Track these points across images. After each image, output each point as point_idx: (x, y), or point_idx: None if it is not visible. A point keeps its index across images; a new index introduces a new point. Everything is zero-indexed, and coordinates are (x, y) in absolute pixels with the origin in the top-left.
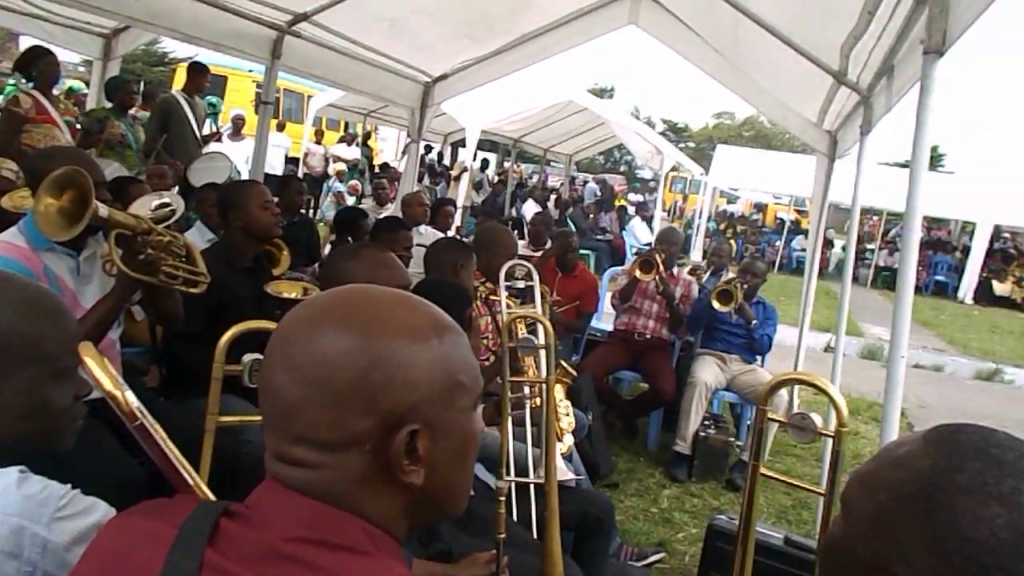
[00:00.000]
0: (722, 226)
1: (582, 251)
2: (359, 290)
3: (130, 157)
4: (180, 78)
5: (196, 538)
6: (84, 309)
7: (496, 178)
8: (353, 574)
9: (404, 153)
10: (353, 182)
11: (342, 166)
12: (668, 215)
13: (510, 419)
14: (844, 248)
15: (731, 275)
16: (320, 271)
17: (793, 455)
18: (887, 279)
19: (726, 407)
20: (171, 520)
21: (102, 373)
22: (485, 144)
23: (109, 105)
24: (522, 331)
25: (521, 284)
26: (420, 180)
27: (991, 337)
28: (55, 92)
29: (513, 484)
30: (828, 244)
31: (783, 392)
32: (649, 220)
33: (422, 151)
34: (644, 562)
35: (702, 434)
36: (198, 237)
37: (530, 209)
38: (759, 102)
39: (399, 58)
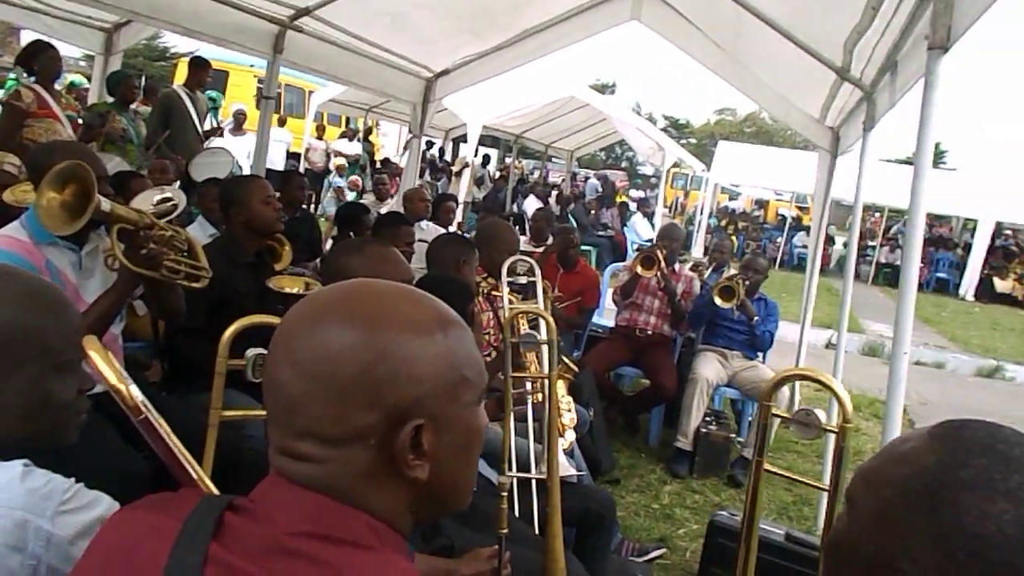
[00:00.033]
0: (723, 222)
1: (583, 247)
2: (363, 284)
3: (131, 152)
4: (181, 73)
5: (200, 532)
6: (86, 304)
7: (497, 174)
8: (357, 568)
9: (406, 148)
10: (354, 177)
11: (342, 161)
12: (669, 211)
13: (512, 415)
14: (845, 245)
15: (733, 271)
16: (322, 266)
17: (794, 451)
18: (888, 276)
19: (727, 403)
20: (175, 514)
21: (106, 367)
22: (486, 140)
23: (111, 100)
24: (524, 327)
25: (523, 280)
26: (421, 176)
27: (992, 334)
28: (57, 86)
29: (515, 480)
30: (829, 241)
31: (784, 388)
32: (650, 216)
33: (423, 147)
34: (645, 558)
35: (703, 430)
36: (200, 232)
37: (531, 205)
38: (761, 98)
39: (401, 53)
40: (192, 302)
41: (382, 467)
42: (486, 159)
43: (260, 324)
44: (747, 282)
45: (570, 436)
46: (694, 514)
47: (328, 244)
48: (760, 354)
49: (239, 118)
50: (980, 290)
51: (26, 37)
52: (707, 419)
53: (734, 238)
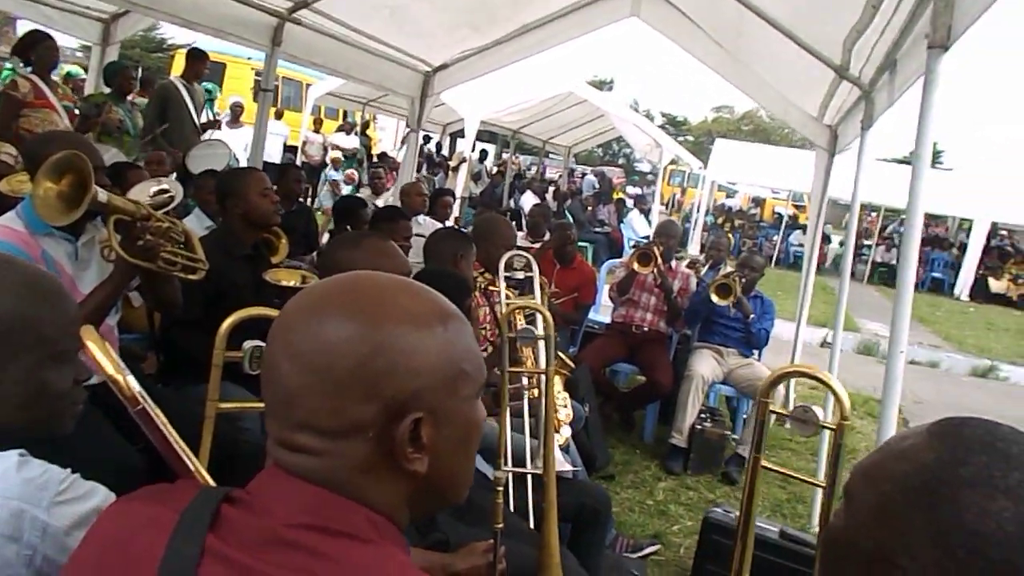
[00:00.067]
0: (720, 220)
1: (580, 243)
2: (362, 277)
3: (128, 143)
4: (178, 64)
5: (197, 524)
6: (82, 294)
7: (495, 169)
8: (355, 561)
9: (403, 143)
10: (349, 171)
11: (338, 154)
12: (666, 208)
13: (508, 410)
14: (842, 244)
15: (729, 269)
16: (319, 259)
17: (789, 449)
18: (884, 275)
19: (723, 401)
20: (172, 505)
21: (104, 357)
22: (484, 135)
23: (107, 90)
24: (520, 322)
25: (520, 275)
26: (419, 170)
27: (987, 334)
28: (53, 77)
29: (511, 475)
30: (825, 240)
31: (779, 386)
32: (647, 213)
33: (421, 141)
34: (639, 554)
35: (698, 427)
36: (196, 224)
37: (528, 201)
38: (760, 96)
39: (399, 47)
40: (188, 294)
41: (380, 460)
42: (483, 154)
43: (257, 316)
44: (743, 280)
45: (566, 432)
46: (688, 511)
47: (325, 237)
48: (756, 352)
49: (236, 110)
50: (975, 290)
51: (23, 27)
52: (702, 416)
53: (730, 236)
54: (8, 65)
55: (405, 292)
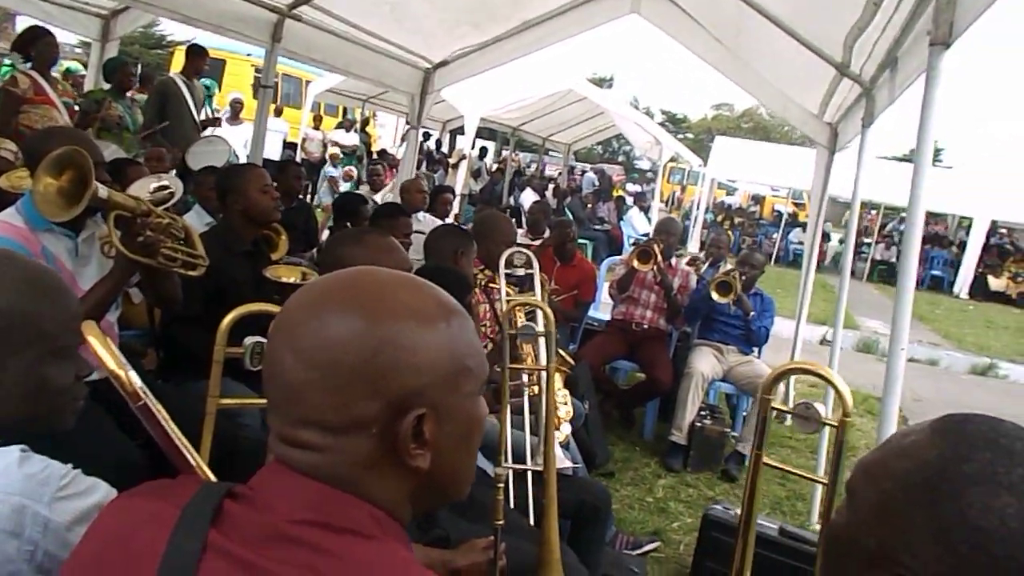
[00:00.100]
0: (719, 218)
1: (580, 241)
2: (364, 272)
3: (127, 139)
4: (178, 61)
5: (199, 519)
6: (82, 291)
7: (495, 166)
8: (358, 557)
9: (403, 140)
10: (348, 168)
11: (336, 150)
12: (666, 206)
13: (508, 407)
14: (841, 241)
15: (729, 266)
16: (319, 256)
17: (788, 447)
18: (883, 273)
19: (722, 398)
20: (174, 501)
21: (106, 352)
22: (483, 132)
23: (107, 87)
24: (521, 319)
25: (520, 272)
26: (418, 167)
27: (986, 332)
28: (53, 73)
29: (511, 471)
30: (825, 237)
31: (780, 383)
32: (647, 211)
33: (420, 138)
34: (639, 551)
35: (698, 424)
36: (196, 221)
37: (528, 198)
38: (760, 93)
39: (399, 43)
40: (188, 290)
41: (383, 456)
42: (483, 151)
43: (258, 312)
44: (744, 277)
45: (566, 429)
46: (688, 508)
47: (324, 234)
48: (755, 349)
49: (236, 107)
50: (974, 288)
51: (22, 23)
52: (702, 413)
53: (730, 233)
54: (8, 61)
55: (406, 288)
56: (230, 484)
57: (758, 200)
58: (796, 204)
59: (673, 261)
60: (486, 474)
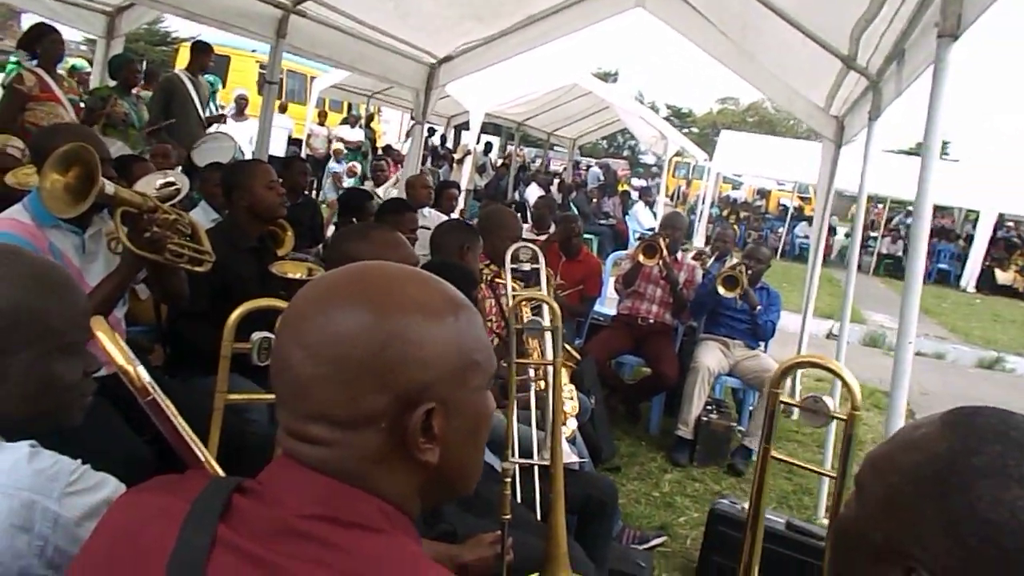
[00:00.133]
0: (725, 212)
1: (585, 236)
2: (373, 267)
3: (133, 136)
4: (183, 58)
5: (208, 514)
6: (89, 287)
7: (499, 162)
8: (367, 551)
9: (408, 135)
10: (351, 163)
11: (340, 146)
12: (671, 200)
13: (515, 401)
14: (847, 235)
15: (735, 260)
16: (326, 251)
17: (795, 441)
18: (889, 266)
19: (728, 392)
20: (183, 496)
21: (114, 348)
22: (488, 127)
23: (113, 84)
24: (526, 314)
25: (526, 267)
26: (423, 163)
27: (993, 326)
28: (58, 70)
29: (517, 466)
30: (831, 231)
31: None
32: (652, 205)
33: (425, 134)
34: (646, 546)
35: (704, 419)
36: (202, 217)
37: (533, 193)
38: (766, 87)
39: (404, 39)
40: (195, 286)
41: (392, 450)
42: (488, 147)
43: (265, 308)
44: (750, 271)
45: (572, 424)
46: (694, 502)
47: (330, 230)
48: (762, 344)
49: (241, 103)
50: (981, 281)
51: (27, 20)
52: (708, 408)
53: (735, 228)
54: (13, 58)
55: (414, 282)
56: (239, 479)
57: (764, 194)
58: (802, 198)
59: (679, 256)
60: (493, 469)
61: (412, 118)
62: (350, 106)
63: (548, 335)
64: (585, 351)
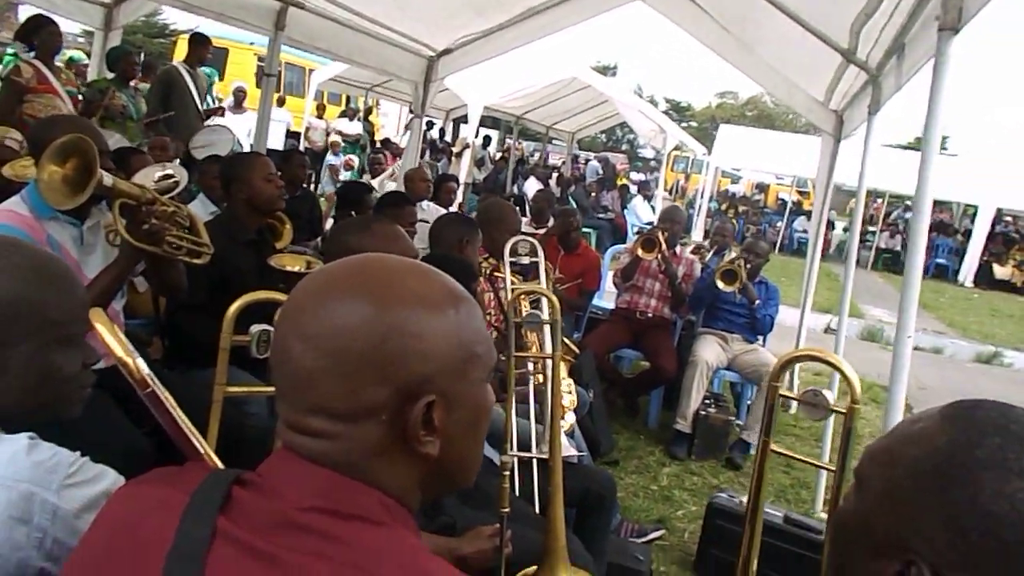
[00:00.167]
0: (724, 206)
1: (584, 229)
2: (373, 259)
3: (131, 129)
4: (181, 50)
5: (208, 506)
6: (88, 279)
7: (498, 155)
8: (367, 544)
9: (407, 128)
10: (348, 156)
11: (336, 138)
12: (670, 195)
13: (514, 395)
14: (845, 230)
15: (734, 254)
16: (324, 244)
17: (793, 434)
18: (887, 261)
19: (727, 386)
20: (182, 488)
21: (113, 340)
22: (487, 121)
23: (111, 76)
24: (525, 307)
25: (525, 260)
26: (422, 156)
27: (991, 320)
28: (56, 62)
29: (516, 460)
30: (830, 226)
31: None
32: (651, 199)
33: (424, 127)
34: (644, 539)
35: (702, 413)
36: (201, 210)
37: (532, 186)
38: (766, 81)
39: (403, 31)
40: (193, 279)
41: (392, 443)
42: (487, 140)
43: (264, 300)
44: (748, 265)
45: (570, 418)
46: (692, 496)
47: (328, 223)
48: (760, 338)
49: (239, 96)
50: (979, 276)
51: (24, 12)
52: (706, 402)
53: (734, 222)
54: (11, 50)
55: (414, 274)
56: (238, 471)
57: (762, 188)
58: (800, 192)
59: (677, 249)
60: (492, 462)
61: (411, 111)
62: (348, 99)
63: (547, 328)
64: (584, 345)
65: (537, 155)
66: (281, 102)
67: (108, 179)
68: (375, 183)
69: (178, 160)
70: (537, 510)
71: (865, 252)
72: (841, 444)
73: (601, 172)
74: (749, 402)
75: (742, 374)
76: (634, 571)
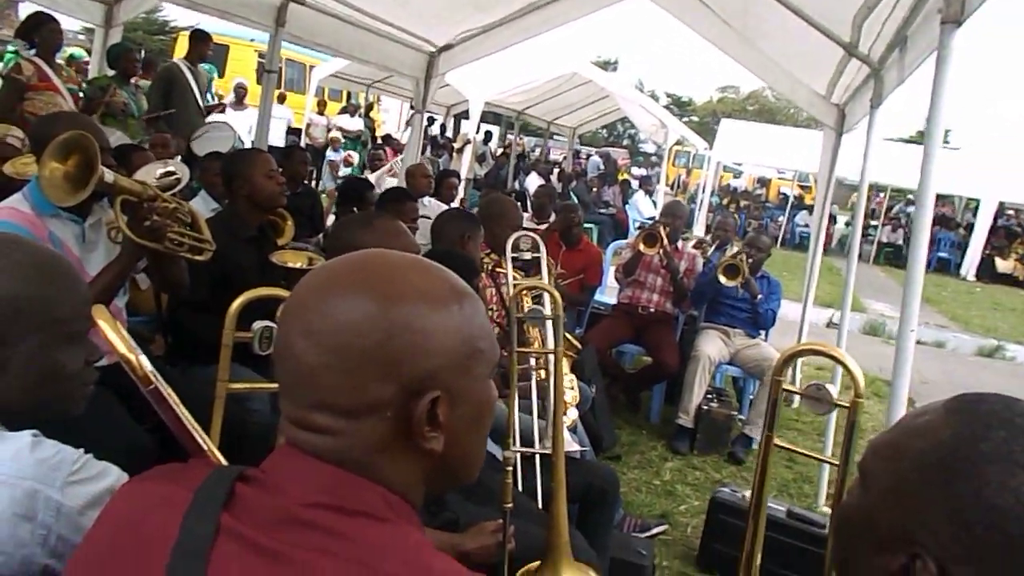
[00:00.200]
0: (725, 201)
1: (585, 225)
2: (376, 255)
3: (132, 126)
4: (182, 47)
5: (211, 502)
6: (90, 276)
7: (499, 151)
8: (371, 540)
9: (408, 124)
10: (347, 153)
11: (336, 134)
12: (671, 189)
13: (516, 390)
14: (847, 224)
15: (736, 249)
16: (327, 240)
17: (795, 429)
18: (889, 255)
19: (729, 381)
20: (186, 484)
21: (116, 337)
22: (488, 116)
23: (111, 73)
24: (527, 303)
25: (527, 256)
26: (423, 152)
27: (993, 314)
28: (57, 60)
29: (519, 455)
30: (831, 220)
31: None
32: (652, 194)
33: (425, 123)
34: (647, 534)
35: (705, 408)
36: (202, 207)
37: (533, 182)
38: (767, 75)
39: (404, 27)
40: (195, 275)
41: (396, 439)
42: (488, 136)
43: (267, 297)
44: (750, 260)
45: (572, 413)
46: (695, 491)
47: (330, 219)
48: (762, 332)
49: (240, 92)
50: (981, 270)
51: (24, 10)
52: (708, 397)
53: (736, 216)
54: (11, 48)
55: (417, 270)
56: (242, 467)
57: (764, 183)
58: (802, 187)
59: (679, 244)
60: (495, 458)
61: (412, 107)
62: (349, 95)
63: (549, 324)
64: (586, 340)
65: (538, 150)
66: (281, 99)
67: (109, 176)
68: (372, 178)
69: (179, 157)
70: (540, 505)
71: (867, 246)
72: (845, 438)
73: (602, 167)
74: (751, 397)
75: (744, 369)
76: (637, 566)
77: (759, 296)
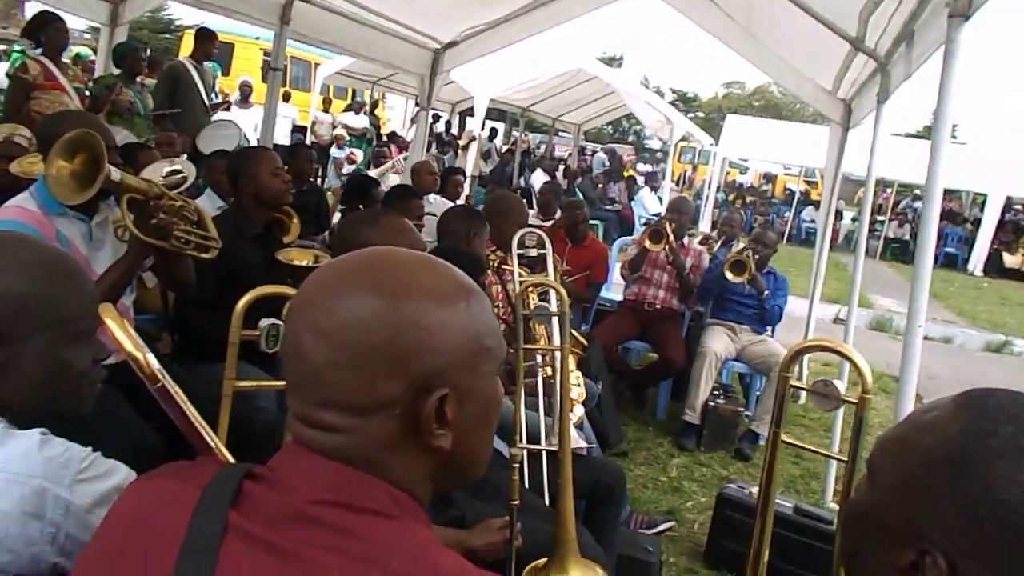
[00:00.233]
0: (731, 197)
1: (591, 221)
2: (383, 252)
3: (139, 125)
4: (187, 45)
5: (219, 500)
6: (96, 274)
7: (504, 148)
8: (379, 537)
9: (413, 122)
10: (350, 151)
11: (341, 131)
12: (677, 186)
13: (523, 387)
14: (854, 219)
15: (742, 245)
16: (332, 238)
17: (802, 425)
18: (896, 251)
19: (735, 377)
20: (194, 482)
21: (123, 335)
22: (493, 113)
23: (117, 72)
24: (533, 300)
25: (533, 252)
26: (428, 149)
27: (1000, 309)
28: (63, 59)
29: (525, 452)
30: (838, 215)
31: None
32: (658, 190)
33: (430, 120)
34: (654, 530)
35: (711, 404)
36: (208, 205)
37: (539, 179)
38: (773, 70)
39: (409, 24)
40: (201, 273)
41: (404, 436)
42: (493, 133)
43: (273, 294)
44: (757, 256)
45: (579, 410)
46: (702, 487)
47: (335, 217)
48: (769, 328)
49: (245, 90)
50: (989, 265)
51: (31, 9)
52: (715, 393)
53: (742, 212)
54: (18, 47)
55: (424, 268)
56: (249, 465)
57: (770, 179)
58: (808, 182)
59: (685, 241)
60: (501, 455)
61: (417, 104)
62: (354, 93)
63: (555, 321)
64: (592, 337)
65: (543, 147)
66: (286, 98)
67: (116, 174)
68: (374, 174)
69: (185, 155)
70: (547, 502)
71: (874, 242)
72: (853, 434)
73: (608, 163)
74: (758, 393)
75: (751, 365)
76: (644, 563)
77: (765, 292)
